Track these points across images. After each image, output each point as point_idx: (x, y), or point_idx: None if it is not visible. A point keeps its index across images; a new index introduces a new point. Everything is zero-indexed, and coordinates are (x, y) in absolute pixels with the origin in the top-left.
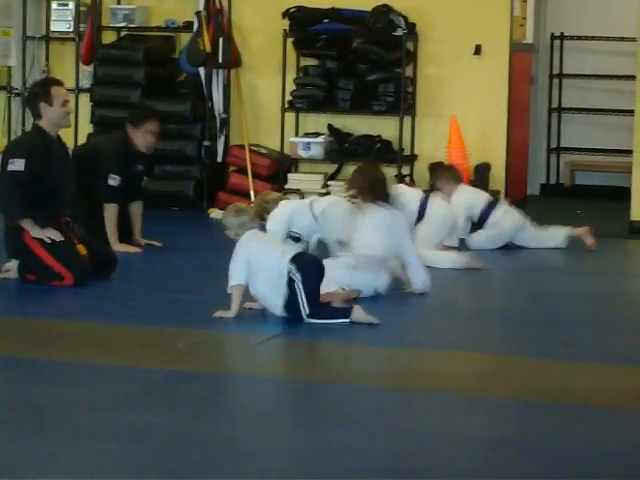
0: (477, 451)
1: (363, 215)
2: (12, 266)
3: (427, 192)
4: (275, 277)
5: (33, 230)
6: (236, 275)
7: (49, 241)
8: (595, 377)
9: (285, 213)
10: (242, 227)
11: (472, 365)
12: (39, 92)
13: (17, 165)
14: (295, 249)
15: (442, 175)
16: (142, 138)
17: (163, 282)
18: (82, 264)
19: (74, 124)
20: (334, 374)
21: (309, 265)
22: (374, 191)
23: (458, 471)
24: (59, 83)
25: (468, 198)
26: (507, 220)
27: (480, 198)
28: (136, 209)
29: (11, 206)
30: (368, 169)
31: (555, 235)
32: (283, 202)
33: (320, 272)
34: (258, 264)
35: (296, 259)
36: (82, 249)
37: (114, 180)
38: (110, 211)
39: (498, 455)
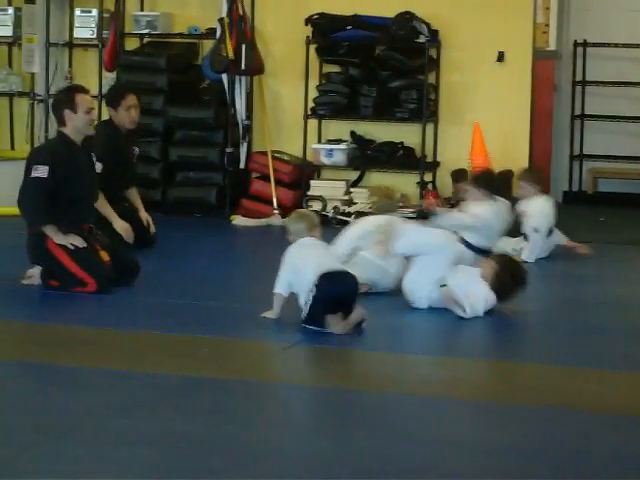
0: (478, 456)
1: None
2: (35, 272)
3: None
4: (307, 289)
5: (56, 236)
6: (278, 284)
7: (72, 247)
8: (596, 382)
9: (353, 236)
10: (297, 234)
11: (476, 371)
12: (64, 99)
13: (41, 172)
14: (332, 266)
15: (525, 176)
16: (125, 115)
17: (185, 289)
18: (105, 270)
19: None
20: (354, 381)
21: (330, 285)
22: None
23: (460, 476)
24: (84, 90)
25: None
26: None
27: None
28: (131, 193)
29: (34, 212)
30: None
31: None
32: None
33: (340, 295)
34: (298, 274)
35: (324, 276)
36: (105, 255)
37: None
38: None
39: (499, 461)
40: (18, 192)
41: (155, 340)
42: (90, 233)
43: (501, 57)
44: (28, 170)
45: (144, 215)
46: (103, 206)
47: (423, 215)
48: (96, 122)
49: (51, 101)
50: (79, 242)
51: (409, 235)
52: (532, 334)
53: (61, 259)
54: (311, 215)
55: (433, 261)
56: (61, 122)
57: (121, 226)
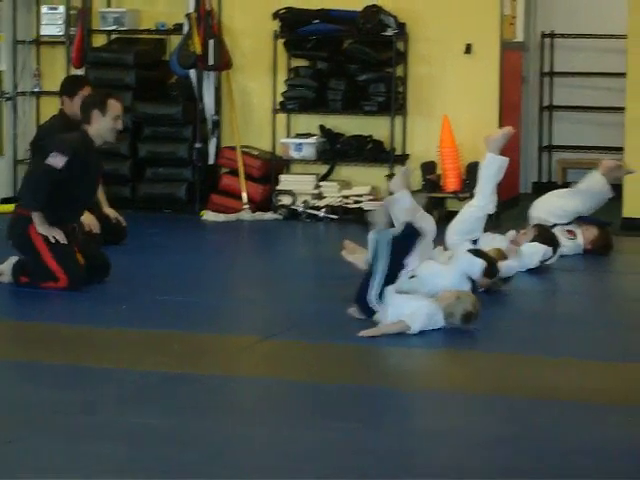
0: (474, 449)
1: None
2: (5, 269)
3: None
4: None
5: (41, 226)
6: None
7: (53, 240)
8: (590, 374)
9: None
10: None
11: (468, 364)
12: (96, 100)
13: (59, 161)
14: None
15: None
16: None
17: (156, 284)
18: (79, 269)
19: None
20: (329, 374)
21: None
22: None
23: (456, 469)
24: (117, 98)
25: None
26: None
27: None
28: None
29: (34, 195)
30: None
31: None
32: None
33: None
34: None
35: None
36: (80, 259)
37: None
38: None
39: (496, 453)
40: (28, 170)
41: (127, 336)
42: (73, 232)
43: (469, 49)
44: (44, 152)
45: (109, 211)
46: None
47: None
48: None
49: (82, 98)
50: (61, 237)
51: None
52: (511, 325)
53: (39, 249)
54: None
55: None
56: (87, 120)
57: (87, 218)
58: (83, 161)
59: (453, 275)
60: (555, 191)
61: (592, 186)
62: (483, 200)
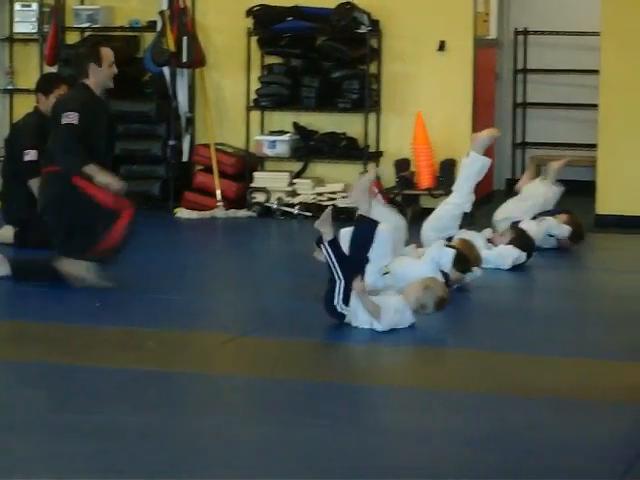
0: (446, 447)
1: None
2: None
3: None
4: None
5: (99, 175)
6: None
7: (113, 189)
8: (564, 371)
9: None
10: None
11: (441, 361)
12: (89, 53)
13: (72, 118)
14: None
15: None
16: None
17: (129, 282)
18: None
19: None
20: (302, 371)
21: None
22: None
23: (428, 467)
24: (107, 45)
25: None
26: None
27: None
28: None
29: (74, 156)
30: None
31: None
32: None
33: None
34: None
35: None
36: None
37: (29, 155)
38: (36, 185)
39: (467, 451)
40: (50, 142)
41: (100, 333)
42: None
43: (442, 46)
44: (57, 117)
45: None
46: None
47: None
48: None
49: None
50: (119, 184)
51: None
52: (484, 322)
53: (92, 192)
54: None
55: (377, 251)
56: (84, 74)
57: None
58: (91, 112)
59: (425, 266)
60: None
61: (535, 187)
62: (460, 198)
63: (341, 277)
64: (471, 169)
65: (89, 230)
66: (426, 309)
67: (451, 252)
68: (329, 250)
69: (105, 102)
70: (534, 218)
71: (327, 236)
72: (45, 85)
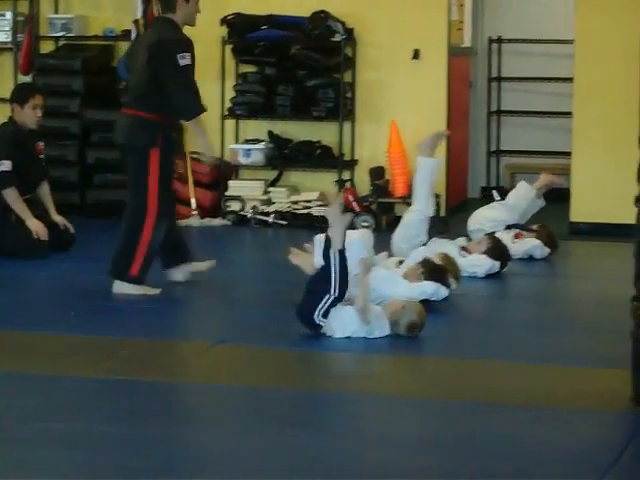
0: (423, 454)
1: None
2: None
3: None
4: None
5: (201, 129)
6: None
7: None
8: (538, 378)
9: None
10: None
11: (415, 369)
12: None
13: (188, 59)
14: None
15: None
16: (31, 114)
17: (103, 291)
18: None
19: None
20: (275, 380)
21: None
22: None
23: (394, 472)
24: None
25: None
26: None
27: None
28: (43, 190)
29: (196, 98)
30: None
31: None
32: None
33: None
34: None
35: None
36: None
37: (3, 165)
38: (10, 194)
39: (440, 457)
40: (170, 87)
41: (75, 342)
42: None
43: (416, 55)
44: (172, 59)
45: (57, 218)
46: (16, 202)
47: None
48: None
49: None
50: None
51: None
52: (460, 329)
53: (151, 168)
54: None
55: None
56: (172, 8)
57: (35, 224)
58: (191, 50)
59: (410, 291)
60: (487, 205)
61: (520, 199)
62: (419, 204)
63: (337, 291)
64: (421, 174)
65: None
66: (398, 327)
67: (445, 293)
68: (337, 260)
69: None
70: (508, 227)
71: (337, 244)
72: (20, 95)
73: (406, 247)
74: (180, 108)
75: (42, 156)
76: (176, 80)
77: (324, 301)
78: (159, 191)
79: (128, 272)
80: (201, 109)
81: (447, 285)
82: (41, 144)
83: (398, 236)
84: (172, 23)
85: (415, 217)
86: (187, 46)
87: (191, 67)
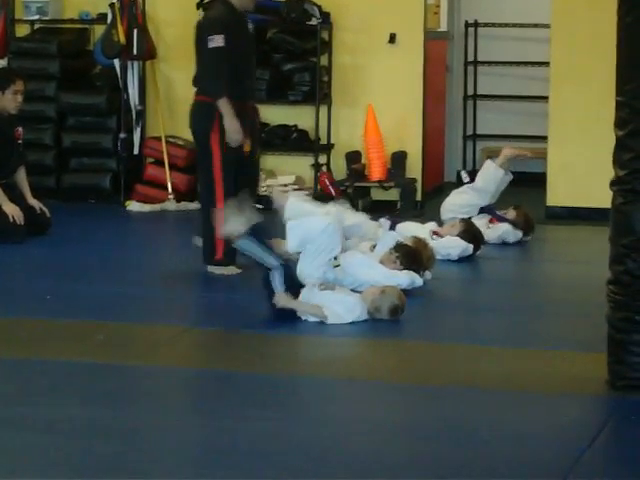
0: (399, 438)
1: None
2: None
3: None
4: None
5: (229, 115)
6: None
7: (236, 140)
8: (515, 362)
9: None
10: None
11: (392, 353)
12: None
13: (217, 41)
14: None
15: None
16: (11, 99)
17: (80, 275)
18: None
19: None
20: (251, 363)
21: None
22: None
23: (370, 457)
24: None
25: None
26: None
27: None
28: (20, 175)
29: (216, 81)
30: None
31: None
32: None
33: None
34: None
35: None
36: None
37: None
38: None
39: (417, 442)
40: (196, 68)
41: (50, 327)
42: (254, 112)
43: (393, 39)
44: (202, 41)
45: (33, 202)
46: None
47: (318, 197)
48: None
49: None
50: (242, 135)
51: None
52: (436, 314)
53: (214, 152)
54: None
55: (324, 245)
56: None
57: (11, 209)
58: (235, 30)
59: (386, 279)
60: (455, 190)
61: (489, 181)
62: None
63: (273, 262)
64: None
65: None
66: (380, 313)
67: (420, 282)
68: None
69: (247, 20)
70: (482, 211)
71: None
72: (1, 81)
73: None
74: (203, 89)
75: (20, 141)
76: (202, 61)
77: (276, 279)
78: (223, 174)
79: (215, 256)
80: (220, 92)
81: (423, 269)
82: (20, 129)
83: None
84: (226, 3)
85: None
86: (223, 28)
87: (220, 49)
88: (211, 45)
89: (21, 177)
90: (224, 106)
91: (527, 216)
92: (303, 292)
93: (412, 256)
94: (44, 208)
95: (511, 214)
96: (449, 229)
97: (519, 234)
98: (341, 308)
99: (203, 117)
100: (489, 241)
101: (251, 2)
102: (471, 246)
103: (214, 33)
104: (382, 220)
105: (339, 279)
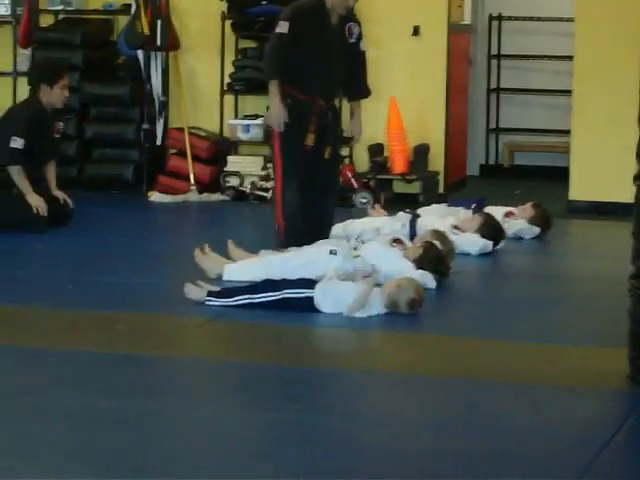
0: (417, 430)
1: None
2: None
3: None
4: None
5: (274, 97)
6: None
7: (281, 126)
8: (535, 356)
9: None
10: None
11: (411, 346)
12: None
13: (281, 27)
14: None
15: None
16: (60, 95)
17: (102, 265)
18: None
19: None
20: (273, 355)
21: None
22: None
23: (398, 450)
24: None
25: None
26: None
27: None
28: (50, 167)
29: (268, 64)
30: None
31: None
32: None
33: None
34: None
35: None
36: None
37: (16, 142)
38: (15, 171)
39: (437, 435)
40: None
41: (72, 316)
42: (330, 108)
43: (416, 31)
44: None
45: (58, 193)
46: (19, 178)
47: (341, 189)
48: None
49: None
50: (282, 117)
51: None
52: (455, 307)
53: (275, 140)
54: None
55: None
56: None
57: (35, 199)
58: (308, 22)
59: (403, 271)
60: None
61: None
62: None
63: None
64: None
65: None
66: (397, 308)
67: (434, 281)
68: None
69: (329, 24)
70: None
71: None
72: (50, 76)
73: None
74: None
75: (58, 135)
76: (267, 44)
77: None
78: (283, 161)
79: (279, 238)
80: (271, 75)
81: (444, 274)
82: (60, 124)
83: None
84: None
85: None
86: (294, 17)
87: (282, 35)
88: (276, 30)
89: (50, 169)
90: (271, 88)
91: (545, 213)
92: (321, 283)
93: (436, 260)
94: (68, 200)
95: (529, 211)
96: (469, 223)
97: (536, 230)
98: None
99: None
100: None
101: (340, 4)
102: (490, 243)
103: (281, 19)
104: (401, 214)
105: (358, 268)
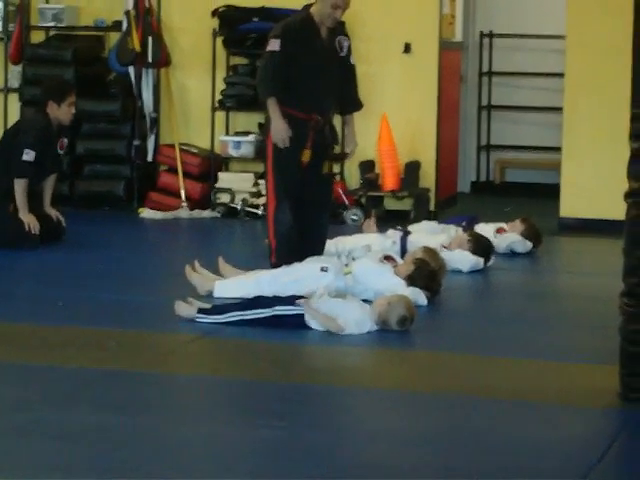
0: (407, 447)
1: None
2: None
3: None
4: None
5: (274, 114)
6: None
7: (284, 142)
8: (526, 373)
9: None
10: None
11: (403, 362)
12: None
13: (272, 45)
14: None
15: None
16: (67, 111)
17: (93, 282)
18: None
19: (2, 123)
20: (262, 372)
21: None
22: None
23: (381, 466)
24: None
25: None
26: None
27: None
28: (50, 181)
29: (261, 83)
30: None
31: None
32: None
33: None
34: None
35: None
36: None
37: (28, 155)
38: (21, 185)
39: (428, 452)
40: None
41: (64, 333)
42: (326, 123)
43: (408, 48)
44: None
45: (51, 211)
46: (21, 193)
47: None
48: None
49: None
50: (286, 134)
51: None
52: (447, 324)
53: (268, 156)
54: None
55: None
56: None
57: (27, 217)
58: (299, 38)
59: (394, 288)
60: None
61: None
62: None
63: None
64: None
65: None
66: (388, 325)
67: (425, 299)
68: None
69: (322, 40)
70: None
71: None
72: (58, 93)
73: None
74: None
75: (62, 152)
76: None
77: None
78: (275, 179)
79: (270, 259)
80: (266, 93)
81: (436, 291)
82: (65, 140)
83: None
84: (304, 11)
85: None
86: (284, 33)
87: (273, 53)
88: (267, 48)
89: (49, 184)
90: (270, 106)
91: (534, 226)
92: (312, 299)
93: (428, 277)
94: (60, 217)
95: (518, 226)
96: (458, 242)
97: (529, 245)
98: (356, 314)
99: (266, 124)
100: (497, 250)
101: (328, 18)
102: (482, 260)
103: (272, 37)
104: (391, 231)
105: (349, 286)
